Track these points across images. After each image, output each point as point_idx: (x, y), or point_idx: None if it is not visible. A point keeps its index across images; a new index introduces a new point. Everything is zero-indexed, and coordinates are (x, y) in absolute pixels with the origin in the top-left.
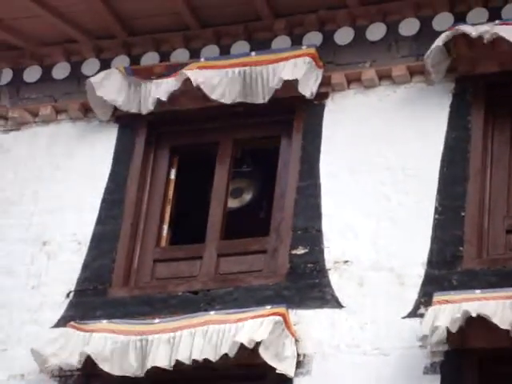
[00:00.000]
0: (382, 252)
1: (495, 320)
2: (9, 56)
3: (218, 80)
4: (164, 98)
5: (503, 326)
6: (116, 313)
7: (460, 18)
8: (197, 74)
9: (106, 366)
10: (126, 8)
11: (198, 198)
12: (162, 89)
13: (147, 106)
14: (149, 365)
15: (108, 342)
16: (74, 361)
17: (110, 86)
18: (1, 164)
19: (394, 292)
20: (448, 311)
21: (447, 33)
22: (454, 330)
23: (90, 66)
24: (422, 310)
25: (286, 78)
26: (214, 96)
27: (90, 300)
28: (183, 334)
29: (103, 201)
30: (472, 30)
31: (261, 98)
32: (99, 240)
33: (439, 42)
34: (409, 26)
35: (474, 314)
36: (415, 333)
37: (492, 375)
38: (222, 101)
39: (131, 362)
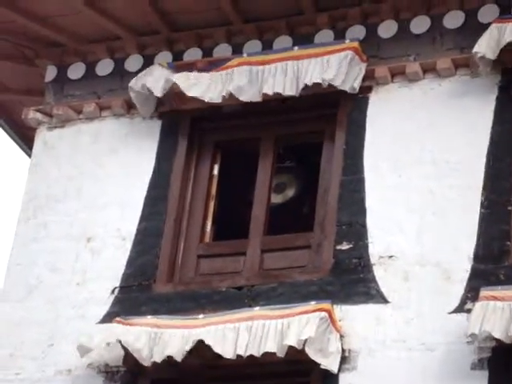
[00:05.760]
0: (427, 246)
1: None
2: (53, 53)
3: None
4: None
5: None
6: (160, 308)
7: (505, 10)
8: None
9: (146, 361)
10: (169, 4)
11: (241, 193)
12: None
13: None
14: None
15: (153, 337)
16: (119, 356)
17: (166, 78)
18: (45, 161)
19: (439, 287)
20: (497, 309)
21: (496, 25)
22: (502, 327)
23: (133, 62)
24: (468, 305)
25: (327, 77)
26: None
27: (135, 296)
28: (228, 327)
29: (147, 197)
30: None
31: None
32: (143, 236)
33: (489, 34)
34: (453, 19)
35: None
36: (462, 328)
37: None
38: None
39: (174, 355)
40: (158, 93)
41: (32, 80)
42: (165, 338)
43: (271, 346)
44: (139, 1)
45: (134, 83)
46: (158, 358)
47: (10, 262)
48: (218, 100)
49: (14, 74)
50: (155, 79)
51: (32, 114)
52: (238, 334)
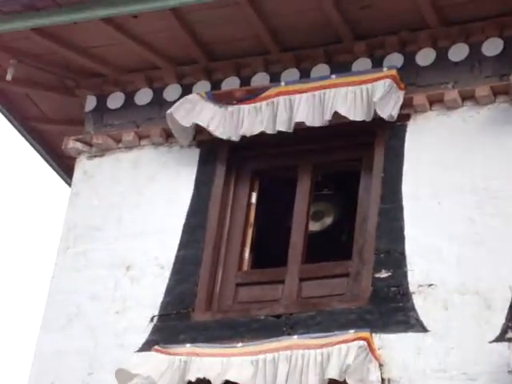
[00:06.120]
0: (468, 275)
1: None
2: (93, 83)
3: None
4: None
5: None
6: (199, 337)
7: None
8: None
9: None
10: (208, 34)
11: (279, 221)
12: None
13: (238, 133)
14: None
15: (192, 365)
16: None
17: (196, 111)
18: (85, 190)
19: (480, 316)
20: None
21: None
22: None
23: (171, 91)
24: (510, 334)
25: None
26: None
27: (174, 324)
28: (267, 358)
29: (185, 225)
30: None
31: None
32: (182, 264)
33: None
34: (492, 46)
35: None
36: (503, 357)
37: None
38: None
39: (212, 379)
40: (187, 124)
41: (72, 110)
42: (203, 364)
43: (312, 379)
44: (178, 31)
45: (170, 114)
46: (193, 378)
47: (51, 291)
48: (257, 132)
49: (55, 104)
50: (187, 113)
51: (72, 144)
52: (277, 365)
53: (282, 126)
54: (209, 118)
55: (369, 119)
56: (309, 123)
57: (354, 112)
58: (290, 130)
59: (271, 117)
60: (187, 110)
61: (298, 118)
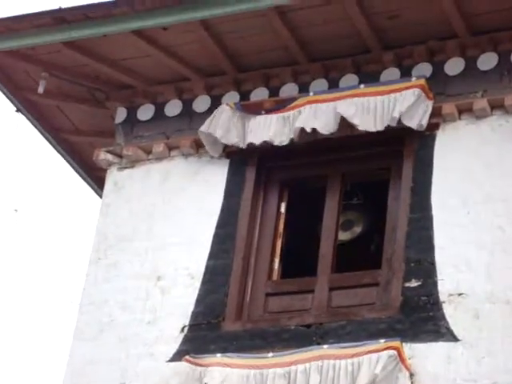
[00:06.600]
0: (498, 284)
1: None
2: (123, 95)
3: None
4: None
5: None
6: (230, 347)
7: None
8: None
9: None
10: (236, 45)
11: (309, 230)
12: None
13: (248, 141)
14: None
15: (224, 376)
16: None
17: (220, 123)
18: (115, 201)
19: (510, 324)
20: None
21: None
22: None
23: (201, 102)
24: None
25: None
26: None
27: (204, 334)
28: (298, 369)
29: (215, 235)
30: None
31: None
32: (212, 274)
33: None
34: None
35: None
36: None
37: None
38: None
39: None
40: (229, 140)
41: (102, 122)
42: (235, 375)
43: None
44: (207, 43)
45: (204, 128)
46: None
47: (83, 302)
48: (287, 142)
49: (85, 116)
50: (224, 128)
51: (103, 155)
52: (309, 375)
53: (303, 132)
54: (225, 131)
55: (394, 124)
56: (323, 131)
57: (382, 126)
58: (309, 130)
59: (298, 125)
60: (225, 127)
61: (316, 126)
